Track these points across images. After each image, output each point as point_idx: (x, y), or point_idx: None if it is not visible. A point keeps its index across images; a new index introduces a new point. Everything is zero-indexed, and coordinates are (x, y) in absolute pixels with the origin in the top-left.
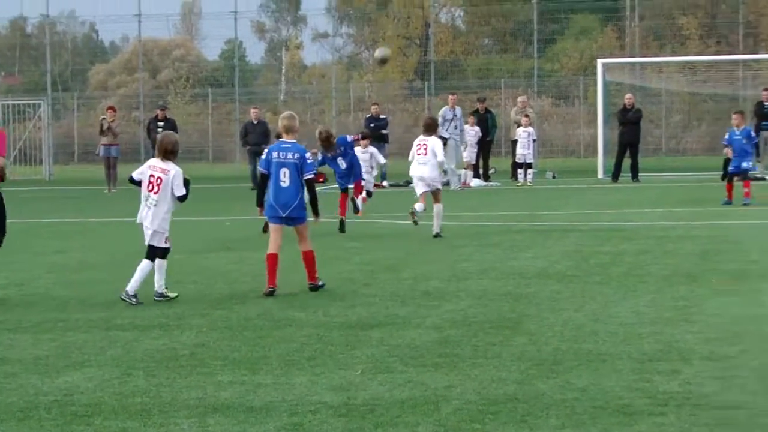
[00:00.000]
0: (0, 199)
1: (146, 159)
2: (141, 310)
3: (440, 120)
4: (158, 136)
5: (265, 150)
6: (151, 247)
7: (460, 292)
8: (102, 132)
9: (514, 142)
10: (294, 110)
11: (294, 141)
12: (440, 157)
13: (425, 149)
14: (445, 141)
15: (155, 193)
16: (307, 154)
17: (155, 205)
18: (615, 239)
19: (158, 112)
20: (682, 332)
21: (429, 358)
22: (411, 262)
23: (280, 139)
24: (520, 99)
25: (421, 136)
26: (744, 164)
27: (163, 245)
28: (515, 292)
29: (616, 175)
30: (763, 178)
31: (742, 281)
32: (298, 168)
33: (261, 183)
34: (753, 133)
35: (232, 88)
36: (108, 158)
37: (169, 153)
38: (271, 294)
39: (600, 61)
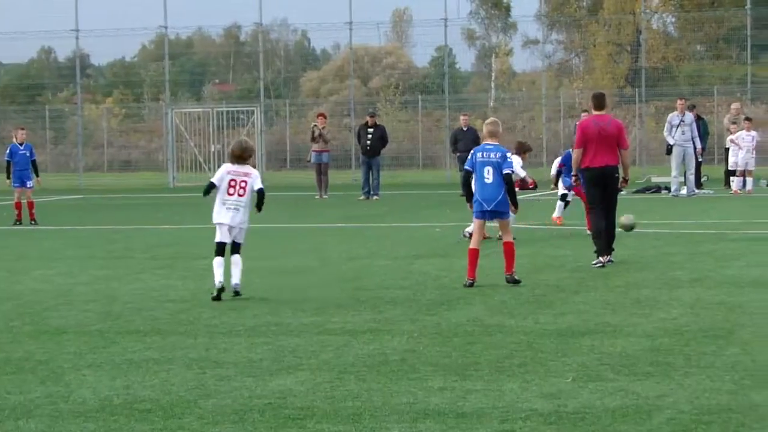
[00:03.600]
0: None
1: (357, 166)
2: (351, 315)
3: (667, 126)
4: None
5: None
6: (237, 244)
7: (672, 301)
8: (313, 139)
9: (727, 149)
10: (503, 117)
11: (497, 143)
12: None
13: None
14: (670, 147)
15: (240, 195)
16: (508, 154)
17: (243, 206)
18: None
19: (368, 118)
20: None
21: (640, 366)
22: (622, 270)
23: (485, 142)
24: (733, 106)
25: None
26: None
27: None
28: (728, 301)
29: None
30: None
31: None
32: (500, 166)
33: (465, 181)
34: None
35: (442, 94)
36: (319, 164)
37: (238, 157)
38: (470, 286)
39: None
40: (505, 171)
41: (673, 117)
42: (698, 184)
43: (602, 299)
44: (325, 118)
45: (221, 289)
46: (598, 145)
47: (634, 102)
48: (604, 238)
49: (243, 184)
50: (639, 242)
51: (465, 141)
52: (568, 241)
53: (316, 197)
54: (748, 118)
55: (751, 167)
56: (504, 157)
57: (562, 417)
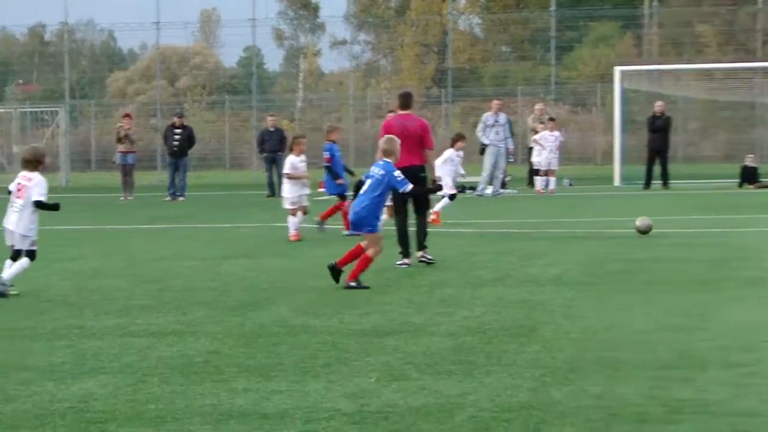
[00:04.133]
0: None
1: (163, 166)
2: (156, 317)
3: (481, 126)
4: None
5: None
6: (19, 251)
7: (475, 299)
8: (119, 139)
9: (530, 149)
10: (310, 117)
11: (387, 161)
12: None
13: None
14: (483, 147)
15: (20, 199)
16: (396, 173)
17: (22, 211)
18: (631, 246)
19: (175, 119)
20: (697, 339)
21: (443, 365)
22: (426, 270)
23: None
24: (537, 106)
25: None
26: None
27: (30, 248)
28: (530, 299)
29: (647, 183)
30: None
31: (758, 288)
32: (379, 183)
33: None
34: None
35: (250, 95)
36: (124, 166)
37: (28, 163)
38: (332, 267)
39: (618, 69)
40: (401, 189)
41: (488, 117)
42: (503, 184)
43: (407, 299)
44: (130, 118)
45: None
46: (401, 144)
47: (440, 102)
48: (417, 237)
49: (24, 190)
50: (444, 241)
51: (271, 142)
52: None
53: (121, 198)
54: (551, 119)
55: (554, 167)
56: (387, 175)
57: (366, 416)
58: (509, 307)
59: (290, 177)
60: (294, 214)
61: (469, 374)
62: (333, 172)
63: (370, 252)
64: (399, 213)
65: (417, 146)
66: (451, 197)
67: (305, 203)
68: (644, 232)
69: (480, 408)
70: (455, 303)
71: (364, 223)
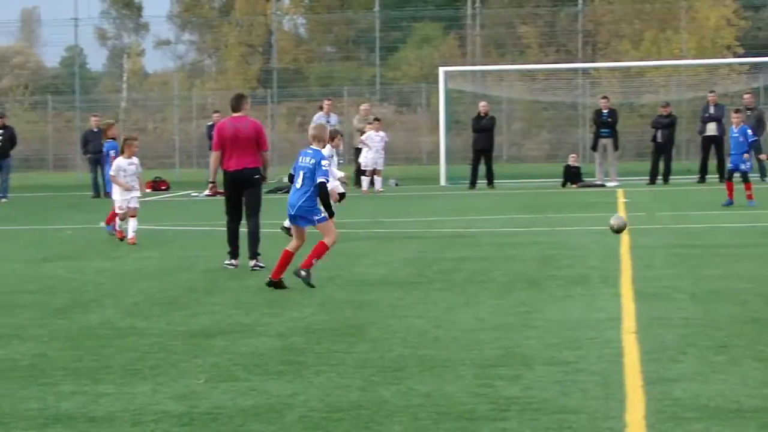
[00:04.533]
0: None
1: None
2: None
3: None
4: None
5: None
6: None
7: (304, 300)
8: None
9: (358, 149)
10: (135, 118)
11: (317, 148)
12: None
13: None
14: None
15: None
16: (324, 162)
17: None
18: (457, 246)
19: None
20: (523, 337)
21: (272, 365)
22: (255, 271)
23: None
24: (362, 107)
25: None
26: (742, 166)
27: None
28: (358, 299)
29: (473, 182)
30: (602, 185)
31: (582, 286)
32: (313, 173)
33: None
34: (750, 131)
35: (73, 95)
36: None
37: None
38: (269, 285)
39: (442, 69)
40: (319, 179)
41: (320, 117)
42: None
43: (235, 299)
44: None
45: None
46: (235, 147)
47: (266, 103)
48: (250, 245)
49: None
50: (270, 242)
51: (95, 142)
52: (200, 241)
53: None
54: (376, 119)
55: (381, 167)
56: (318, 164)
57: (195, 418)
58: (338, 307)
59: (114, 182)
60: (122, 219)
61: (298, 374)
62: None
63: (326, 240)
64: (233, 213)
65: (252, 148)
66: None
67: (134, 205)
68: (619, 231)
69: (310, 408)
70: (284, 303)
71: (308, 215)
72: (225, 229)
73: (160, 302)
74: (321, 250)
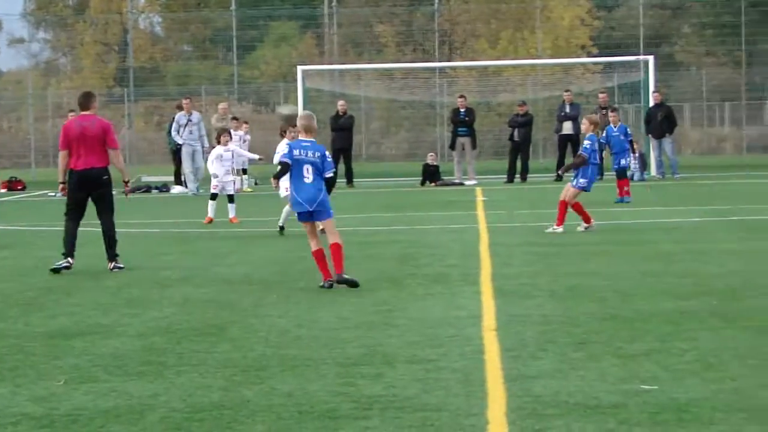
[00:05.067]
0: None
1: None
2: None
3: (174, 125)
4: None
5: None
6: None
7: (164, 299)
8: None
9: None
10: None
11: (313, 140)
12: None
13: None
14: (179, 147)
15: None
16: (327, 153)
17: None
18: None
19: None
20: (385, 336)
21: (133, 366)
22: (115, 272)
23: (300, 137)
24: (220, 105)
25: None
26: (623, 162)
27: None
28: (219, 299)
29: None
30: (461, 184)
31: (443, 284)
32: (321, 167)
33: (283, 173)
34: (629, 131)
35: None
36: None
37: None
38: (330, 287)
39: (300, 68)
40: (328, 174)
41: (181, 116)
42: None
43: (94, 300)
44: None
45: None
46: (82, 146)
47: (123, 101)
48: (106, 243)
49: None
50: (130, 241)
51: None
52: (58, 241)
53: None
54: (235, 118)
55: (244, 166)
56: (324, 157)
57: (55, 420)
58: (199, 307)
59: None
60: None
61: (159, 375)
62: None
63: (338, 239)
64: (73, 213)
65: (99, 147)
66: None
67: None
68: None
69: (171, 408)
70: (143, 303)
71: (327, 208)
72: (63, 228)
73: (18, 303)
74: (341, 251)
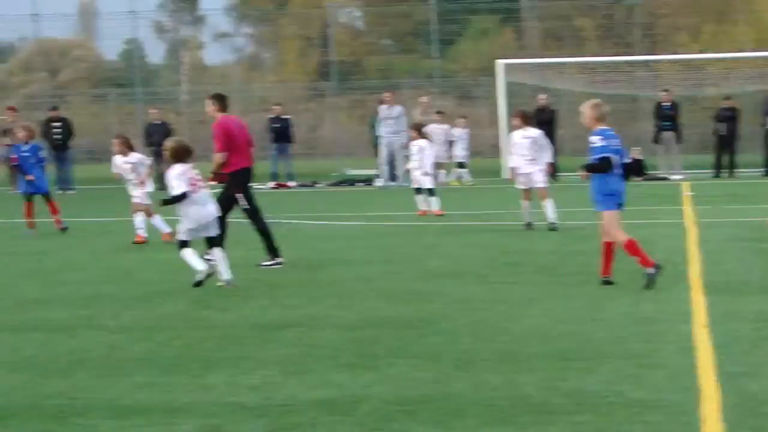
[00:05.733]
0: None
1: (48, 161)
2: (49, 311)
3: (377, 118)
4: None
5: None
6: None
7: (371, 292)
8: (3, 133)
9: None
10: (198, 110)
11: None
12: None
13: None
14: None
15: None
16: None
17: None
18: (530, 236)
19: (50, 112)
20: (594, 330)
21: (344, 357)
22: (326, 262)
23: (601, 127)
24: (422, 99)
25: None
26: None
27: None
28: (427, 291)
29: None
30: (665, 178)
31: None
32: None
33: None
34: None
35: (133, 88)
36: (9, 159)
37: None
38: (658, 270)
39: (499, 62)
40: (626, 160)
41: (383, 110)
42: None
43: (305, 291)
44: (14, 111)
45: None
46: (241, 146)
47: (325, 96)
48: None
49: None
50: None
51: (158, 135)
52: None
53: (11, 192)
54: (439, 112)
55: (443, 160)
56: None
57: (270, 410)
58: (406, 300)
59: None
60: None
61: (370, 367)
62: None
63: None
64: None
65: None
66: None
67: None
68: None
69: (384, 400)
70: (352, 296)
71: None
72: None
73: (230, 294)
74: (612, 252)
